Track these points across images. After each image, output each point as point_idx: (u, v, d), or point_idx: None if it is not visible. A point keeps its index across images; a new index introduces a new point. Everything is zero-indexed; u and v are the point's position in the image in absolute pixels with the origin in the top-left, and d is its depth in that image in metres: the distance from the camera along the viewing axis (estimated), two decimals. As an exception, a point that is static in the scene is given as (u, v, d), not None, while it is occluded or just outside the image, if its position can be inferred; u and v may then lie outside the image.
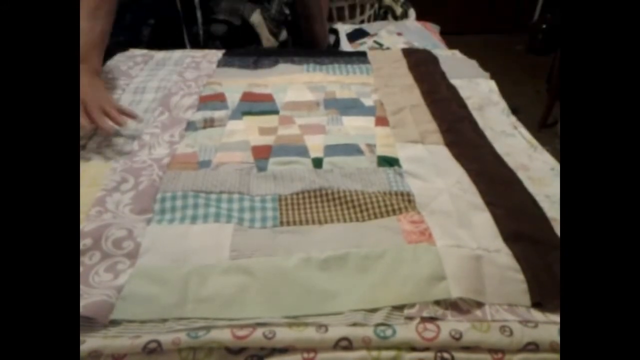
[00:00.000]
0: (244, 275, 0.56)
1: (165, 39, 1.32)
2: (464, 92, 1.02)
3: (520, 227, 0.62)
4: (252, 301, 0.53)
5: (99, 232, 0.61)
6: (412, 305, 0.52)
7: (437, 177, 0.73)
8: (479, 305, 0.53)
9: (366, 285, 0.55)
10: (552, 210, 0.66)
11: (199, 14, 1.41)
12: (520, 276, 0.56)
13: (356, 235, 0.62)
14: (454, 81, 1.07)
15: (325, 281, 0.55)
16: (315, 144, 0.82)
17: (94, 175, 0.73)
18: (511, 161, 0.77)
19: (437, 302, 0.53)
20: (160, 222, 0.64)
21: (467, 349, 0.49)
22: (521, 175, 0.74)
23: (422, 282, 0.54)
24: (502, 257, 0.58)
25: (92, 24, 0.97)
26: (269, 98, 0.99)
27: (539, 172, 0.76)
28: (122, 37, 1.28)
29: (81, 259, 0.58)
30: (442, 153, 0.80)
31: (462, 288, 0.53)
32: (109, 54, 1.14)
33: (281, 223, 0.65)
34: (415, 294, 0.53)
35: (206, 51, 1.28)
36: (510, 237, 0.61)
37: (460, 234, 0.61)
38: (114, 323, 0.51)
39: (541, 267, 0.57)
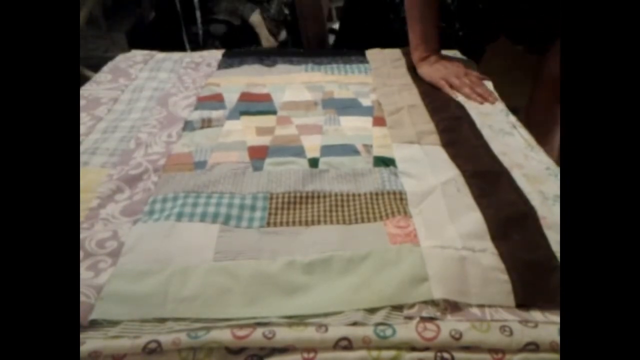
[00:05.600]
0: (226, 278, 0.55)
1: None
2: (462, 92, 1.02)
3: (510, 226, 0.62)
4: (233, 303, 0.53)
5: (84, 233, 0.62)
6: (411, 305, 0.52)
7: (431, 177, 0.73)
8: (479, 305, 0.53)
9: (348, 287, 0.54)
10: (543, 207, 0.66)
11: (198, 13, 1.41)
12: (505, 276, 0.55)
13: (342, 238, 0.62)
14: (453, 80, 1.07)
15: (307, 284, 0.55)
16: (312, 145, 0.82)
17: (90, 180, 0.73)
18: (507, 160, 0.77)
19: (436, 302, 0.53)
20: (146, 222, 0.64)
21: (467, 349, 0.49)
22: (516, 173, 0.74)
23: (404, 283, 0.54)
24: (487, 257, 0.58)
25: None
26: (267, 98, 0.99)
27: (534, 170, 0.76)
28: None
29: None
30: (438, 153, 0.80)
31: (445, 289, 0.53)
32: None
33: (268, 224, 0.64)
34: (396, 295, 0.53)
35: (205, 51, 1.28)
36: (499, 236, 0.61)
37: (447, 234, 0.61)
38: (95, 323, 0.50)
39: (527, 267, 0.57)
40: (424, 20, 1.08)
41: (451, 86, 1.02)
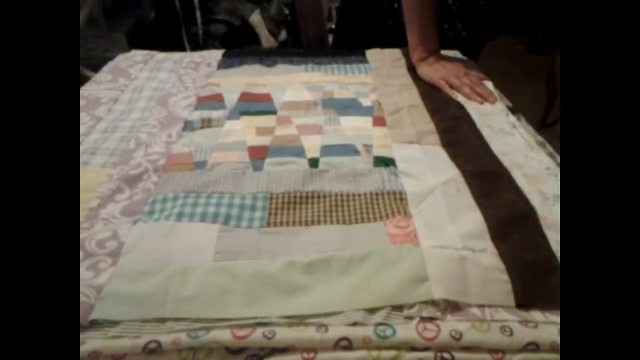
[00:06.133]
0: (226, 278, 0.55)
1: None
2: (462, 92, 1.01)
3: (510, 226, 0.62)
4: (233, 303, 0.53)
5: (84, 233, 0.62)
6: (411, 305, 0.52)
7: (431, 177, 0.73)
8: (479, 305, 0.53)
9: (348, 287, 0.54)
10: (543, 207, 0.66)
11: (198, 13, 1.41)
12: (505, 276, 0.55)
13: (342, 238, 0.62)
14: (452, 80, 1.06)
15: (307, 284, 0.55)
16: (312, 145, 0.82)
17: (90, 180, 0.73)
18: (507, 160, 0.78)
19: (436, 302, 0.53)
20: (146, 222, 0.64)
21: (467, 349, 0.49)
22: (516, 173, 0.74)
23: (404, 283, 0.54)
24: (487, 257, 0.58)
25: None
26: (267, 98, 0.99)
27: (534, 170, 0.76)
28: None
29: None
30: (438, 153, 0.80)
31: (445, 289, 0.53)
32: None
33: (268, 224, 0.64)
34: (396, 295, 0.53)
35: (205, 51, 1.28)
36: (499, 236, 0.61)
37: (447, 234, 0.61)
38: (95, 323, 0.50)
39: (527, 267, 0.57)
40: (421, 21, 1.08)
41: (451, 86, 1.02)
